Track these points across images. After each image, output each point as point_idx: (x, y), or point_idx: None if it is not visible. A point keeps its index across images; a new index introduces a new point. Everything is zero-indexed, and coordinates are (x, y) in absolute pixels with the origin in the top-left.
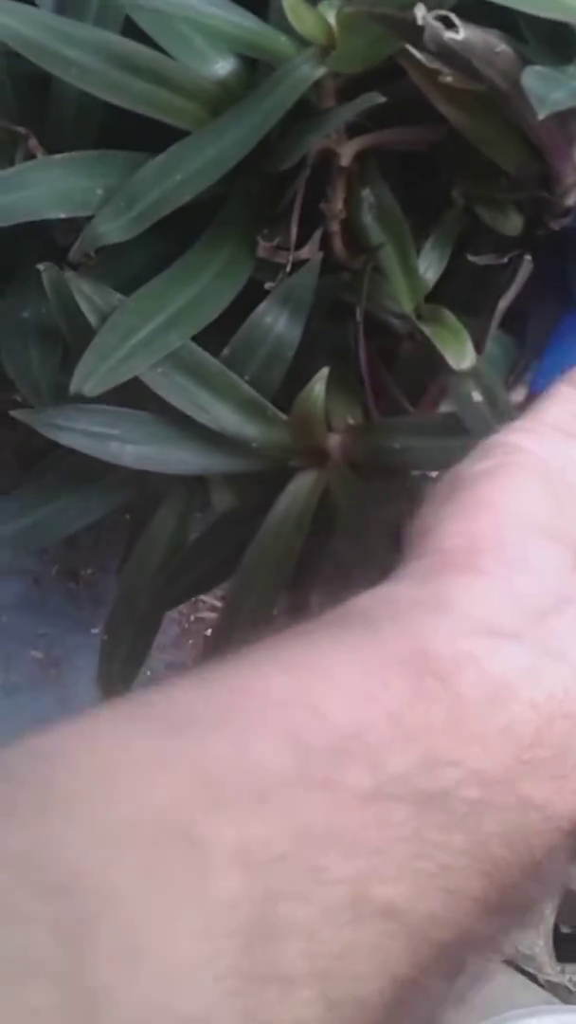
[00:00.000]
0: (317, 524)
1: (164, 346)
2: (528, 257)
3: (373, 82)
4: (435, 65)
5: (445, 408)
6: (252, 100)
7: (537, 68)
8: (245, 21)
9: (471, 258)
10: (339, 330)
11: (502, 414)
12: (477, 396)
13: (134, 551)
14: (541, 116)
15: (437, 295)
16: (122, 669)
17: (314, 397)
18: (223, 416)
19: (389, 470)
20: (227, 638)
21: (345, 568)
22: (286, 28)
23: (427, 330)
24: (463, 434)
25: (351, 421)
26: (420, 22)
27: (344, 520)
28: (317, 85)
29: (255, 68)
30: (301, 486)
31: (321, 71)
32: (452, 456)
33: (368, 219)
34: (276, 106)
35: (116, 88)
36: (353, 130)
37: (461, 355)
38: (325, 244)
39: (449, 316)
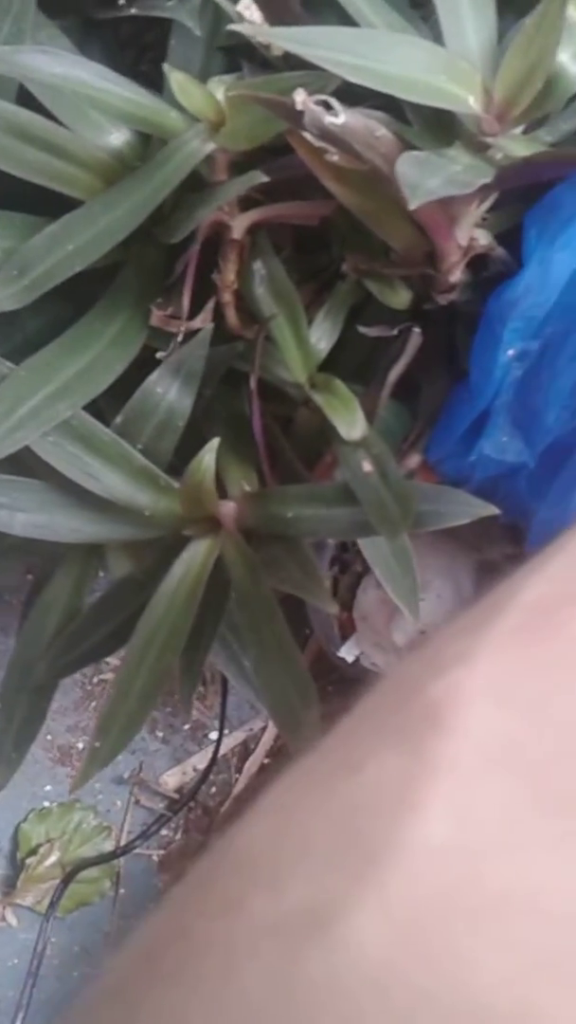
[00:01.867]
0: (211, 590)
1: (54, 416)
2: (417, 330)
3: (264, 157)
4: (321, 144)
5: (341, 474)
6: (145, 172)
7: (414, 154)
8: (137, 96)
9: (362, 329)
10: (235, 397)
11: (392, 484)
12: (368, 466)
13: (29, 616)
14: (412, 206)
15: (331, 364)
16: (16, 736)
17: (204, 467)
18: (115, 485)
19: (282, 538)
20: (122, 705)
21: (240, 633)
22: (178, 104)
23: (319, 399)
24: (354, 503)
25: (246, 487)
26: (300, 107)
27: (237, 587)
28: (208, 159)
29: (149, 140)
30: (194, 554)
31: (211, 147)
32: (343, 524)
33: (260, 291)
34: (167, 179)
35: (10, 157)
36: (246, 203)
37: (352, 425)
38: (218, 314)
39: (340, 386)
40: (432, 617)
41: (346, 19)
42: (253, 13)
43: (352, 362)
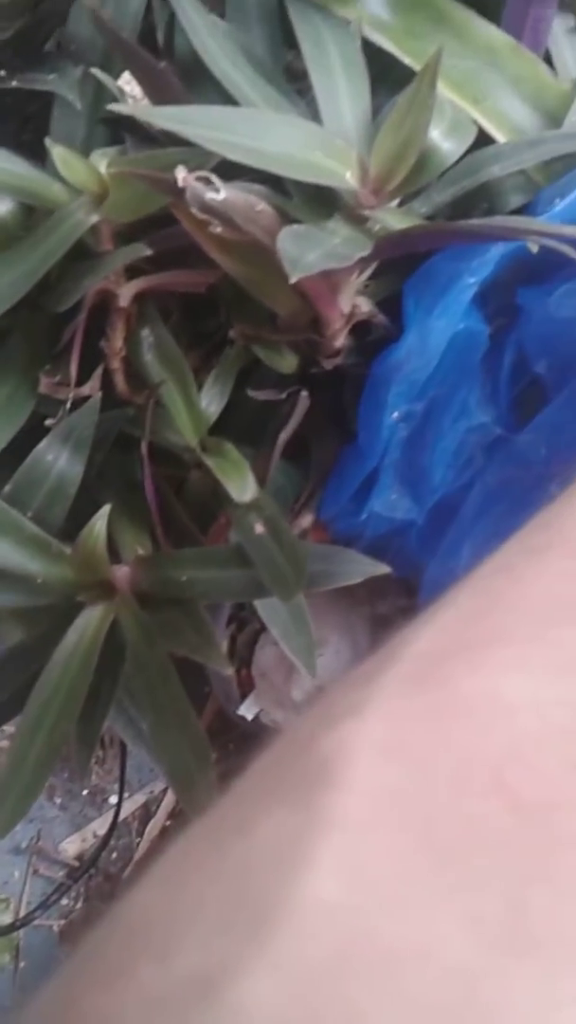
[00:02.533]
0: (107, 655)
1: None
2: (305, 393)
3: (150, 226)
4: (204, 216)
5: (234, 536)
6: (30, 242)
7: (294, 228)
8: (19, 168)
9: (251, 393)
10: (127, 461)
11: (285, 545)
12: (260, 528)
13: None
14: (292, 280)
15: (222, 426)
16: None
17: (96, 534)
18: (5, 553)
19: (177, 601)
20: (18, 774)
21: (136, 697)
22: (62, 176)
23: (210, 463)
24: (248, 565)
25: (140, 551)
26: (181, 184)
27: (133, 651)
28: (93, 230)
29: (33, 209)
30: (88, 620)
31: (95, 218)
32: (237, 586)
33: (148, 357)
34: (52, 250)
35: None
36: (132, 272)
37: (243, 488)
38: (107, 380)
39: (231, 450)
40: (330, 672)
41: (226, 95)
42: (134, 88)
43: (243, 424)
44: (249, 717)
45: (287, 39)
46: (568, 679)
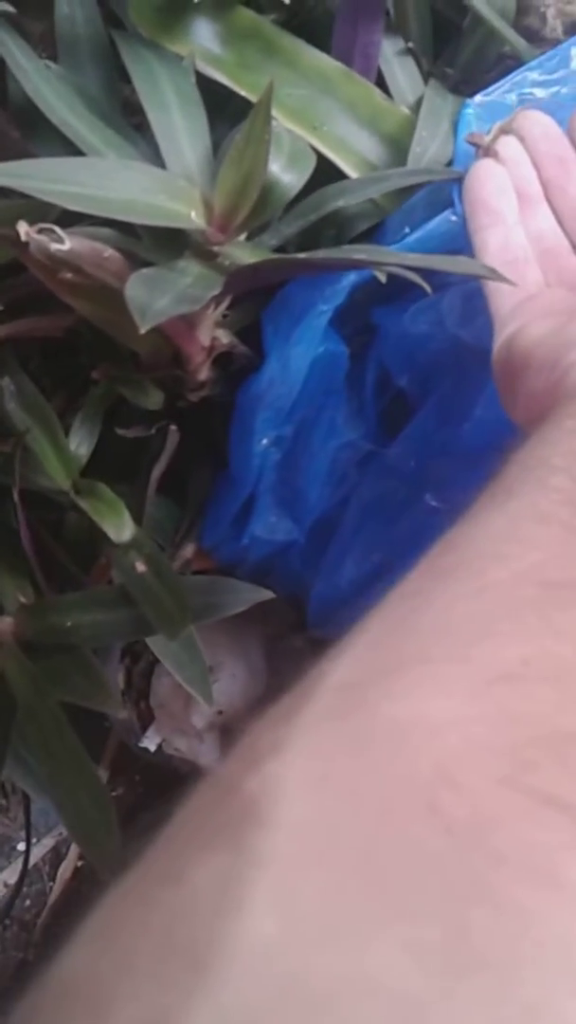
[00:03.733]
0: None
1: None
2: (174, 427)
3: (1, 276)
4: (52, 265)
5: (116, 575)
6: None
7: (143, 274)
8: None
9: (119, 431)
10: (1, 509)
11: (167, 581)
12: (141, 566)
13: None
14: (143, 330)
15: (95, 466)
16: None
17: None
18: None
19: (64, 647)
20: None
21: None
22: None
23: (85, 505)
24: (132, 604)
25: (22, 599)
26: (24, 238)
27: (22, 702)
28: None
29: None
30: None
31: None
32: (124, 627)
33: (11, 406)
34: None
35: None
36: None
37: (120, 527)
38: None
39: (105, 490)
40: (228, 696)
41: (68, 143)
42: None
43: (116, 463)
44: (152, 748)
45: (123, 75)
46: (485, 696)
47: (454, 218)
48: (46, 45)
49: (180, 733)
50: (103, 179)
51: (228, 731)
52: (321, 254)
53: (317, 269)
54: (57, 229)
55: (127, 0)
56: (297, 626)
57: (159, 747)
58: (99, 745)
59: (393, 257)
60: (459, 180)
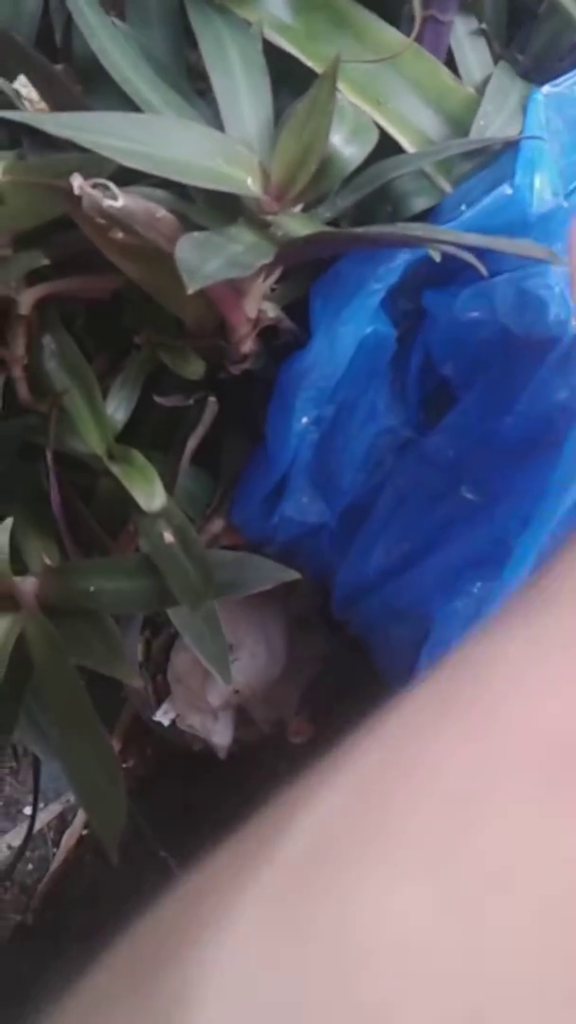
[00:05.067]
0: (13, 668)
1: None
2: (213, 399)
3: (52, 230)
4: (104, 222)
5: (143, 544)
6: None
7: (194, 236)
8: None
9: (157, 399)
10: (32, 470)
11: (194, 554)
12: (169, 536)
13: None
14: (190, 290)
15: (131, 432)
16: None
17: None
18: None
19: (84, 612)
20: None
21: (47, 708)
22: None
23: (117, 471)
24: (156, 575)
25: (47, 561)
26: (77, 192)
27: (39, 664)
28: None
29: None
30: None
31: None
32: (146, 597)
33: (51, 365)
34: None
35: None
36: (33, 277)
37: (151, 496)
38: (9, 389)
39: (138, 457)
40: (246, 676)
41: (127, 98)
42: (31, 91)
43: (152, 430)
44: (165, 723)
45: (190, 39)
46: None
47: (509, 191)
48: (118, 6)
49: (195, 709)
50: (161, 137)
51: (243, 711)
52: (375, 229)
53: (371, 244)
54: (111, 185)
55: None
56: (321, 610)
57: (172, 723)
58: (113, 715)
59: (449, 235)
60: (519, 149)
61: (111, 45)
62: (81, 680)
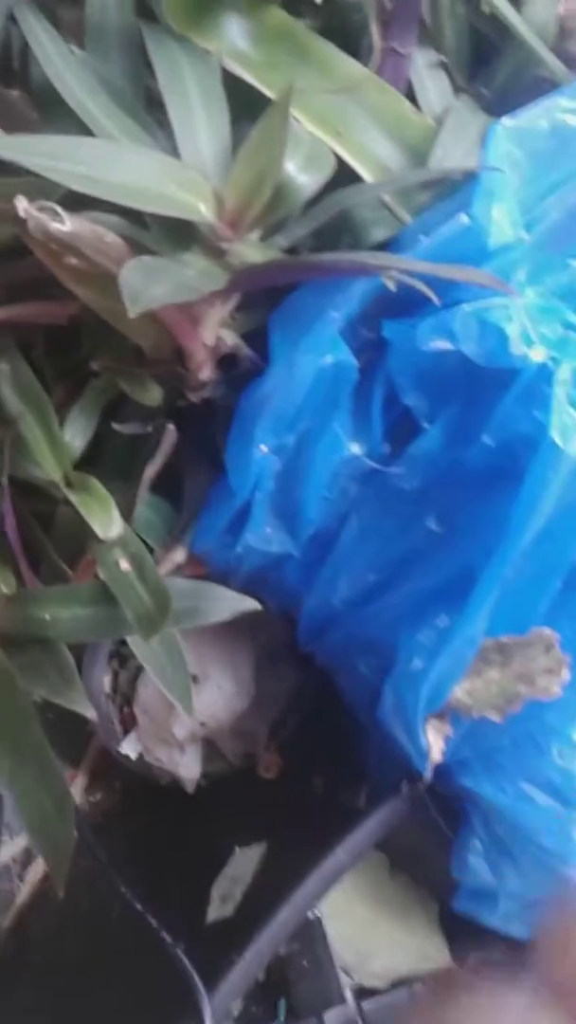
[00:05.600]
0: None
1: None
2: (172, 426)
3: (5, 255)
4: (55, 247)
5: (101, 572)
6: None
7: (142, 260)
8: None
9: (115, 426)
10: None
11: (150, 582)
12: (125, 564)
13: None
14: (132, 314)
15: (91, 460)
16: None
17: None
18: None
19: (40, 641)
20: None
21: None
22: None
23: (74, 499)
24: (112, 603)
25: (4, 590)
26: (22, 215)
27: None
28: None
29: None
30: None
31: None
32: (101, 625)
33: (6, 391)
34: None
35: None
36: None
37: (107, 524)
38: None
39: (96, 485)
40: (212, 709)
41: (83, 125)
42: None
43: (112, 457)
44: (132, 756)
45: (149, 68)
46: None
47: (466, 220)
48: (77, 34)
49: (161, 742)
50: (111, 162)
51: (211, 744)
52: (328, 257)
53: (325, 272)
54: (58, 208)
55: None
56: (290, 642)
57: (140, 755)
58: (80, 748)
59: (400, 263)
60: (478, 180)
61: (67, 72)
62: (33, 711)
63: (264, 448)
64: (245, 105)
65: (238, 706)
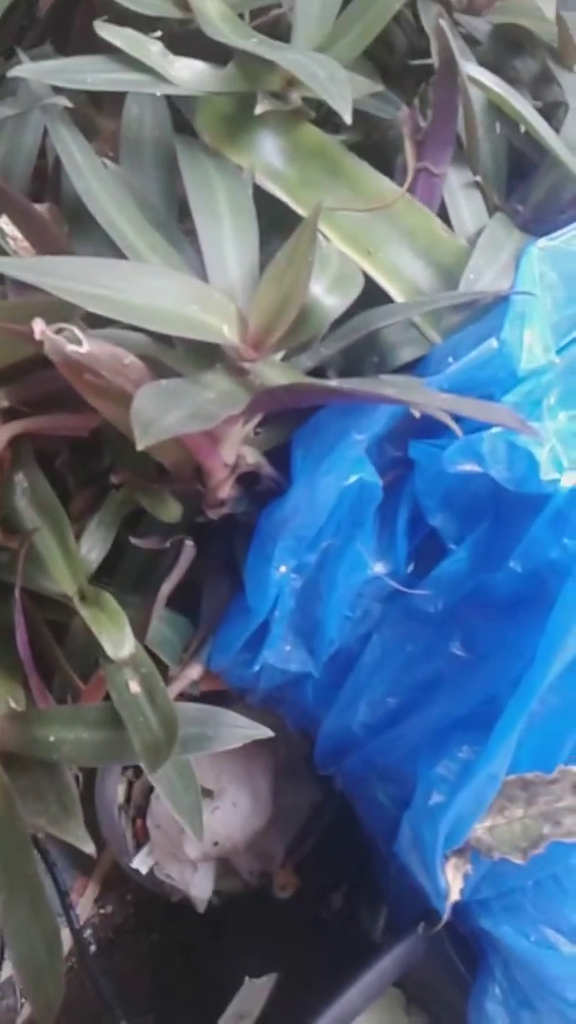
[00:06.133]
0: None
1: None
2: (190, 543)
3: (28, 367)
4: (71, 365)
5: (111, 691)
6: None
7: (161, 384)
8: None
9: (134, 541)
10: (3, 606)
11: (159, 707)
12: (135, 686)
13: None
14: (140, 446)
15: (108, 572)
16: None
17: None
18: None
19: (43, 763)
20: None
21: None
22: None
23: (86, 614)
24: (119, 726)
25: (13, 705)
26: (38, 336)
27: None
28: None
29: None
30: None
31: None
32: (106, 749)
33: (22, 503)
34: None
35: None
36: (8, 414)
37: (119, 643)
38: None
39: (109, 601)
40: (227, 828)
41: (114, 243)
42: (14, 229)
43: (130, 568)
44: (143, 871)
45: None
46: None
47: (496, 345)
48: (115, 145)
49: (173, 859)
50: (131, 283)
51: (225, 861)
52: (352, 383)
53: (346, 399)
54: (76, 330)
55: (196, 107)
56: (311, 758)
57: (151, 870)
58: (91, 860)
59: (423, 396)
60: (510, 303)
61: (98, 186)
62: (31, 844)
63: (283, 568)
64: (277, 220)
65: (255, 825)
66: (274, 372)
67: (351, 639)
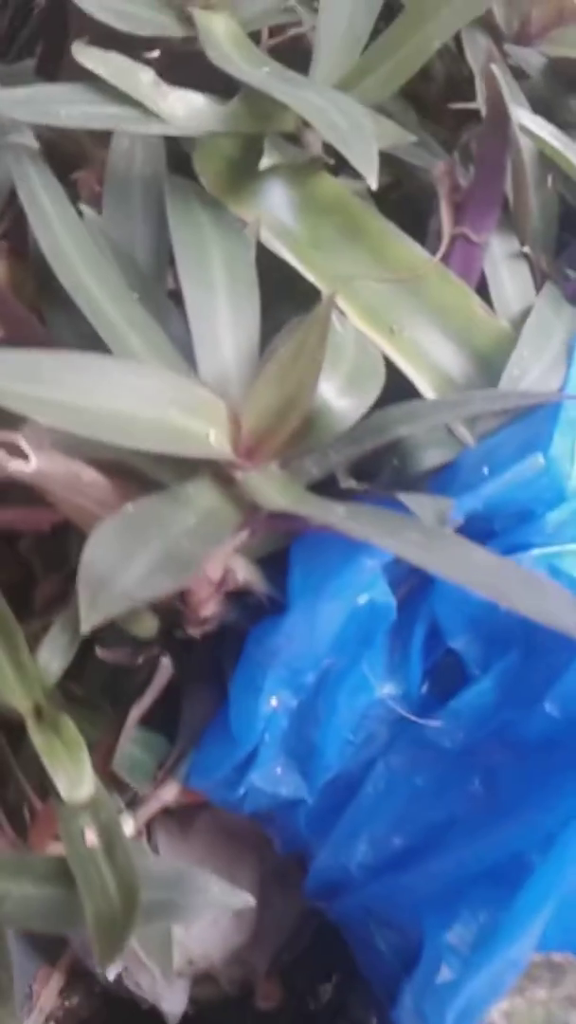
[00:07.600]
0: None
1: None
2: (166, 660)
3: None
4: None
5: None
6: None
7: (125, 515)
8: None
9: (100, 654)
10: None
11: (118, 865)
12: (92, 837)
13: None
14: (84, 628)
15: (76, 677)
16: None
17: None
18: None
19: None
20: None
21: None
22: None
23: (39, 742)
24: (69, 885)
25: None
26: None
27: None
28: None
29: None
30: None
31: None
32: (54, 911)
33: None
34: None
35: None
36: None
37: (76, 782)
38: None
39: (67, 725)
40: (203, 945)
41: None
42: None
43: (102, 673)
44: (110, 977)
45: None
46: None
47: (543, 460)
48: (90, 192)
49: (143, 968)
50: (95, 381)
51: (201, 981)
52: (365, 518)
53: (354, 535)
54: (23, 443)
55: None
56: (302, 864)
57: (119, 977)
58: (58, 942)
59: (458, 566)
60: (559, 408)
61: (68, 241)
62: None
63: (274, 701)
64: (283, 285)
65: (236, 941)
66: (271, 488)
67: (352, 764)
